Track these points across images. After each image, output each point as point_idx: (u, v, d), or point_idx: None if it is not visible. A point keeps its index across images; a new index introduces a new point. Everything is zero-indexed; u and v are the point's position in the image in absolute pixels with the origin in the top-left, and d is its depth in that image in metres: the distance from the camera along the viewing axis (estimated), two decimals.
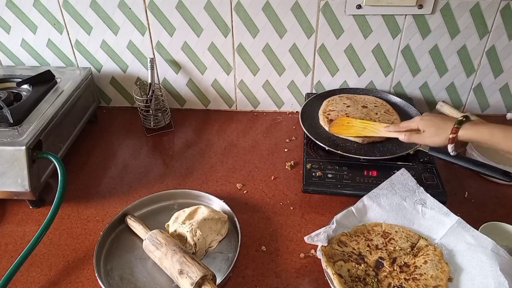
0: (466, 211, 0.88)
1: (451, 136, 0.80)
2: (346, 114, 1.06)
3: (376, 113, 1.07)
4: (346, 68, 1.18)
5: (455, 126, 0.79)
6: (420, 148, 0.94)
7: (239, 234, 0.81)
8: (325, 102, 1.13)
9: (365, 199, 0.86)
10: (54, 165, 0.88)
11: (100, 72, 1.24)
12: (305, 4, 1.07)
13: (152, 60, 1.15)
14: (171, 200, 0.92)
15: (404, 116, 1.08)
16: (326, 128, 1.03)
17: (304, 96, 1.23)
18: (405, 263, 0.77)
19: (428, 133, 0.85)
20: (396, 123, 1.05)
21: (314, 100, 1.14)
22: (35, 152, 0.88)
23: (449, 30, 1.08)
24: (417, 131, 0.88)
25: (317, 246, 0.78)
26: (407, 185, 0.88)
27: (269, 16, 1.09)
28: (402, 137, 0.90)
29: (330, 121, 1.05)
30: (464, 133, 0.79)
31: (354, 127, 1.00)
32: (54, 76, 1.10)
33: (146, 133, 1.18)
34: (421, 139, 0.87)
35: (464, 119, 0.80)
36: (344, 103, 1.11)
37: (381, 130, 0.96)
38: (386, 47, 1.13)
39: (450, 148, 0.82)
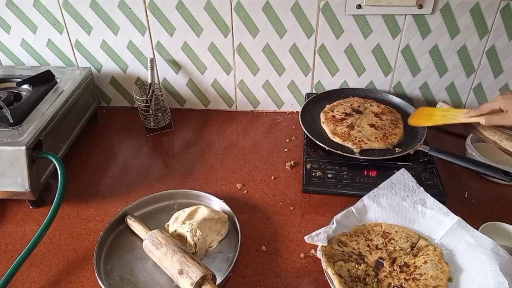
0: (466, 211, 0.88)
1: None
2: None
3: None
4: (346, 68, 1.18)
5: None
6: (420, 148, 0.94)
7: (239, 234, 0.81)
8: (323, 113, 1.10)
9: (365, 199, 0.87)
10: (54, 165, 0.88)
11: (100, 72, 1.24)
12: (305, 4, 1.07)
13: (152, 60, 1.15)
14: (171, 200, 0.92)
15: (405, 116, 1.09)
16: (328, 132, 1.03)
17: (304, 96, 1.23)
18: (405, 263, 0.77)
19: None
20: (398, 117, 1.06)
21: (314, 100, 1.14)
22: (35, 152, 0.88)
23: (449, 30, 1.08)
24: (499, 112, 0.83)
25: (317, 246, 0.78)
26: (407, 185, 0.88)
27: (269, 16, 1.09)
28: (483, 121, 0.86)
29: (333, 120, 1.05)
30: None
31: (434, 116, 0.99)
32: (54, 76, 1.10)
33: (146, 133, 1.18)
34: (504, 120, 0.82)
35: None
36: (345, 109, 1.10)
37: (461, 117, 0.93)
38: (386, 47, 1.13)
39: None
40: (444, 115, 0.98)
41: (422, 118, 1.01)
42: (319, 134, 1.03)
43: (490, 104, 0.85)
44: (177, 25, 1.13)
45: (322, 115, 1.08)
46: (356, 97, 1.15)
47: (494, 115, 0.84)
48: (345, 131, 1.02)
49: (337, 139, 1.00)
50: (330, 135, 1.02)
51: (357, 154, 0.96)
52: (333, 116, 1.07)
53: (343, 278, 0.72)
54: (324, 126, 1.05)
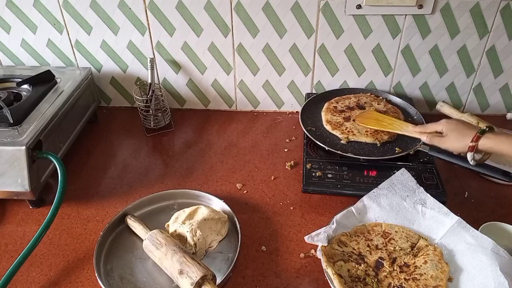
0: (466, 211, 0.88)
1: (471, 144, 0.78)
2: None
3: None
4: (346, 68, 1.18)
5: (477, 134, 0.78)
6: (420, 148, 0.94)
7: (239, 234, 0.81)
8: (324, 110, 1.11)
9: (365, 199, 0.87)
10: (54, 165, 0.88)
11: (100, 72, 1.24)
12: (305, 4, 1.07)
13: (152, 60, 1.15)
14: (171, 200, 0.92)
15: (405, 116, 1.09)
16: (328, 128, 1.04)
17: (304, 96, 1.23)
18: (405, 263, 0.77)
19: (450, 138, 0.83)
20: (401, 118, 1.06)
21: (314, 100, 1.14)
22: (35, 152, 0.88)
23: (449, 30, 1.08)
24: (441, 134, 0.86)
25: (317, 246, 0.78)
26: (407, 185, 0.88)
27: (269, 16, 1.09)
28: (424, 138, 0.89)
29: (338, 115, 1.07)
30: (485, 142, 0.77)
31: (382, 122, 1.00)
32: (54, 76, 1.10)
33: (146, 133, 1.18)
34: (442, 143, 0.85)
35: (487, 129, 0.78)
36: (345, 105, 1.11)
37: (408, 130, 0.95)
38: (386, 47, 1.13)
39: (469, 156, 0.80)
40: (391, 123, 0.99)
41: (371, 121, 1.02)
42: (319, 134, 1.03)
43: (435, 125, 0.88)
44: (177, 25, 1.13)
45: (325, 104, 1.11)
46: (368, 94, 1.16)
47: (436, 135, 0.87)
48: (339, 121, 1.05)
49: (328, 127, 1.03)
50: (323, 123, 1.05)
51: (343, 142, 0.99)
52: (335, 107, 1.10)
53: (343, 278, 0.72)
54: (323, 114, 1.08)
